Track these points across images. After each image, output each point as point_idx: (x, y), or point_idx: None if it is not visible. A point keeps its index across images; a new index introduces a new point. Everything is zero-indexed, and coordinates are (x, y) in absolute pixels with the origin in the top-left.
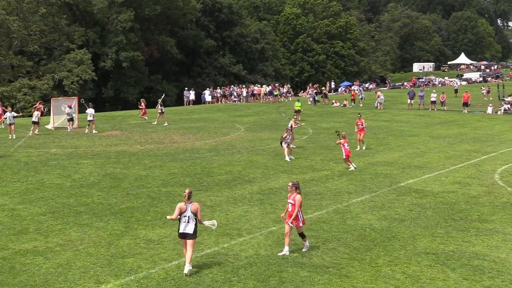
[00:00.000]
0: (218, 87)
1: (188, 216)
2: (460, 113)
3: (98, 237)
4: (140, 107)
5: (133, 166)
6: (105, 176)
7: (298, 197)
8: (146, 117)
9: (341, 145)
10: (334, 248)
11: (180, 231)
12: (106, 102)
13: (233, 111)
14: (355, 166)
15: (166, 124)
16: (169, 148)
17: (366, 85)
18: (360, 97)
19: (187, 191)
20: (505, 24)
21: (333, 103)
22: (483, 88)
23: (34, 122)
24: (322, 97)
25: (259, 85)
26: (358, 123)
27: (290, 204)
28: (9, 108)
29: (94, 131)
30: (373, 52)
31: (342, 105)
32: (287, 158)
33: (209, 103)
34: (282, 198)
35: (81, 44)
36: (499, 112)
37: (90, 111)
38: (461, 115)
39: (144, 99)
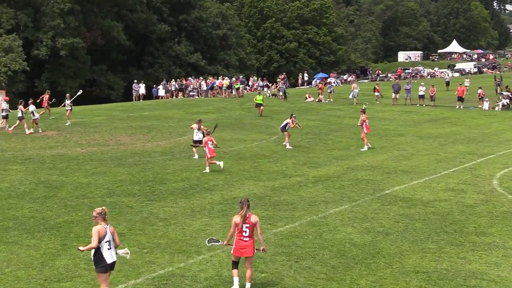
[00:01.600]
0: (173, 80)
1: (110, 241)
2: (453, 109)
3: (29, 257)
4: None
5: (72, 173)
6: (39, 185)
7: (253, 217)
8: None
9: (205, 144)
10: (308, 267)
11: (110, 260)
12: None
13: (191, 108)
14: (221, 165)
15: (68, 123)
16: (115, 151)
17: (345, 77)
18: (328, 90)
19: (98, 210)
20: (502, 7)
21: (306, 98)
22: (466, 80)
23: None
24: (278, 91)
25: (221, 77)
26: (366, 120)
27: None
28: None
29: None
30: (352, 39)
31: (317, 100)
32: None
33: (162, 98)
34: None
35: (10, 28)
36: (496, 108)
37: (32, 108)
38: (453, 112)
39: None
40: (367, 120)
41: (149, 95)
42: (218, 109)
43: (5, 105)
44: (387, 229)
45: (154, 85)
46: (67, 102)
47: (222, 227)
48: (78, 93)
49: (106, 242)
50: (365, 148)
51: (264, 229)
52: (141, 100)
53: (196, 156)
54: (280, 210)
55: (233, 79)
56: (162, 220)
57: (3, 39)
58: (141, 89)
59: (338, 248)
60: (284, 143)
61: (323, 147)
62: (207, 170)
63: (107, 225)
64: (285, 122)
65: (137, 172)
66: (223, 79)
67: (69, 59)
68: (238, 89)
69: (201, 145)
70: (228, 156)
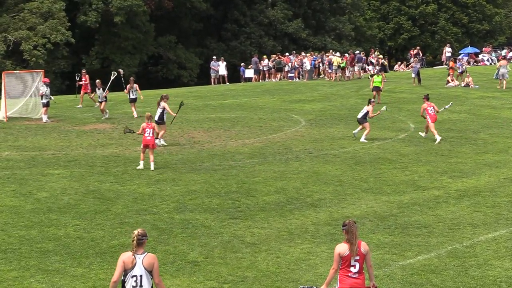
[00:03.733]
0: (265, 56)
1: (139, 276)
2: None
3: None
4: None
5: (130, 180)
6: (87, 195)
7: (363, 245)
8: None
9: (142, 130)
10: None
11: None
12: (89, 78)
13: (289, 94)
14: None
15: (106, 115)
16: (187, 151)
17: (502, 52)
18: (459, 70)
19: (137, 232)
20: None
21: (448, 82)
22: None
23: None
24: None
25: (330, 52)
26: (428, 108)
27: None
28: None
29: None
30: None
31: (463, 84)
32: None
33: (250, 80)
34: (365, 232)
35: None
36: None
37: (45, 89)
38: None
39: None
40: (429, 108)
41: (233, 76)
42: (325, 95)
43: (44, 89)
44: None
45: (243, 63)
46: (100, 92)
47: (330, 256)
48: (113, 77)
49: (132, 277)
50: (437, 139)
51: (388, 260)
52: (222, 84)
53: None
54: (410, 235)
55: (340, 55)
56: (249, 246)
57: (40, 1)
58: (222, 68)
59: None
60: (361, 138)
61: (471, 149)
62: (141, 166)
63: (142, 254)
64: (364, 111)
65: (216, 180)
66: (331, 55)
67: (126, 28)
68: (343, 68)
69: (137, 132)
70: (339, 160)
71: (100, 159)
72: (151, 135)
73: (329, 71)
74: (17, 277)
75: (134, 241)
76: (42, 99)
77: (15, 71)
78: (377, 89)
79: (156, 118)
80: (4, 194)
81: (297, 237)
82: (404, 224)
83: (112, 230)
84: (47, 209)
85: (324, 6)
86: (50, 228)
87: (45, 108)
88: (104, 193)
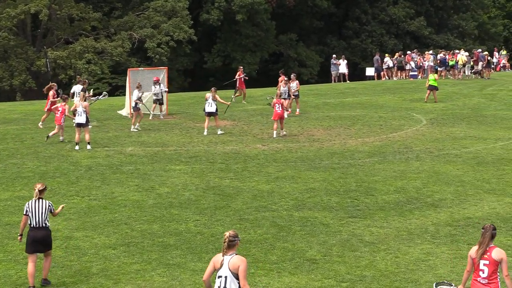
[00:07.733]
0: (387, 54)
1: (224, 277)
2: None
3: (195, 285)
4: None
5: (250, 177)
6: (207, 191)
7: (497, 251)
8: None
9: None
10: None
11: None
12: (210, 76)
13: (410, 93)
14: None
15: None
16: (306, 149)
17: None
18: None
19: (228, 233)
20: None
21: None
22: None
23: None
24: (483, 67)
25: (458, 51)
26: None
27: (484, 265)
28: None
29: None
30: None
31: None
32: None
33: (372, 78)
34: None
35: None
36: None
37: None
38: None
39: (54, 85)
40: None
41: (353, 74)
42: (448, 94)
43: (157, 88)
44: None
45: (383, 61)
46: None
47: (450, 258)
48: (101, 97)
49: (218, 277)
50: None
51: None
52: (342, 81)
53: (205, 132)
54: None
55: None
56: (368, 245)
57: (165, 0)
58: (342, 66)
59: None
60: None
61: None
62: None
63: (230, 255)
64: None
65: (335, 178)
66: (451, 54)
67: (247, 25)
68: (452, 66)
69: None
70: (461, 160)
71: (221, 156)
72: (280, 109)
73: (439, 69)
74: (139, 270)
75: (225, 243)
76: (155, 96)
77: (139, 68)
78: (432, 88)
79: (213, 110)
80: (127, 188)
81: (417, 237)
82: None
83: (231, 226)
84: (168, 204)
85: (446, 3)
86: (171, 223)
87: (159, 105)
88: (224, 189)
